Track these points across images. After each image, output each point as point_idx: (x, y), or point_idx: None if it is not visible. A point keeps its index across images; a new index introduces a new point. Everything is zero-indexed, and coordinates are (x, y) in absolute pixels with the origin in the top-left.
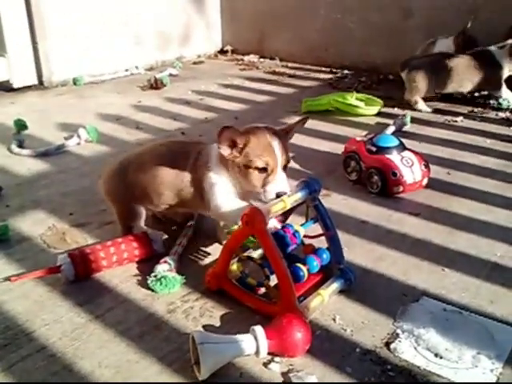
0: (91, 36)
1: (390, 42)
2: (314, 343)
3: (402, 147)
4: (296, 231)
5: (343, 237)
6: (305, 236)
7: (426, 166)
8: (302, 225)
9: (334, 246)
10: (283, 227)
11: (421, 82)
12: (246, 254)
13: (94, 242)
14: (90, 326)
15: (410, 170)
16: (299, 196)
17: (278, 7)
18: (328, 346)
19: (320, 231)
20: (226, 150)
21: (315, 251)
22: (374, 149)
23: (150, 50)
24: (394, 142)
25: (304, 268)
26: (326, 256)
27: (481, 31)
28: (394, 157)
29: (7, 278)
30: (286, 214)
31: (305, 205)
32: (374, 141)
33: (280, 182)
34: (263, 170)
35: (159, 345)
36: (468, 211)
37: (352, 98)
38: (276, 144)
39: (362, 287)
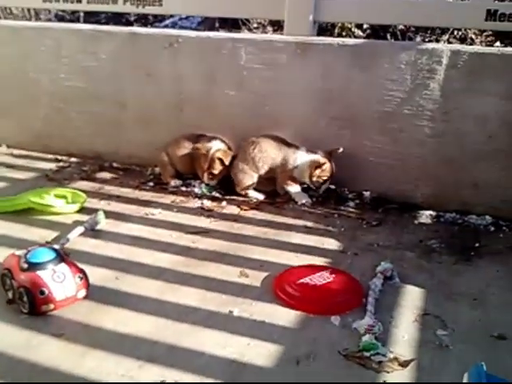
0: None
1: (111, 131)
2: None
3: (58, 260)
4: None
5: None
6: None
7: (82, 278)
8: None
9: None
10: None
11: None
12: None
13: None
14: None
15: (61, 285)
16: None
17: None
18: None
19: None
20: None
21: None
22: (25, 266)
23: None
24: (49, 255)
25: None
26: None
27: None
28: (46, 273)
29: None
30: None
31: None
32: (28, 256)
33: None
34: None
35: None
36: (114, 324)
37: (50, 196)
38: None
39: None
